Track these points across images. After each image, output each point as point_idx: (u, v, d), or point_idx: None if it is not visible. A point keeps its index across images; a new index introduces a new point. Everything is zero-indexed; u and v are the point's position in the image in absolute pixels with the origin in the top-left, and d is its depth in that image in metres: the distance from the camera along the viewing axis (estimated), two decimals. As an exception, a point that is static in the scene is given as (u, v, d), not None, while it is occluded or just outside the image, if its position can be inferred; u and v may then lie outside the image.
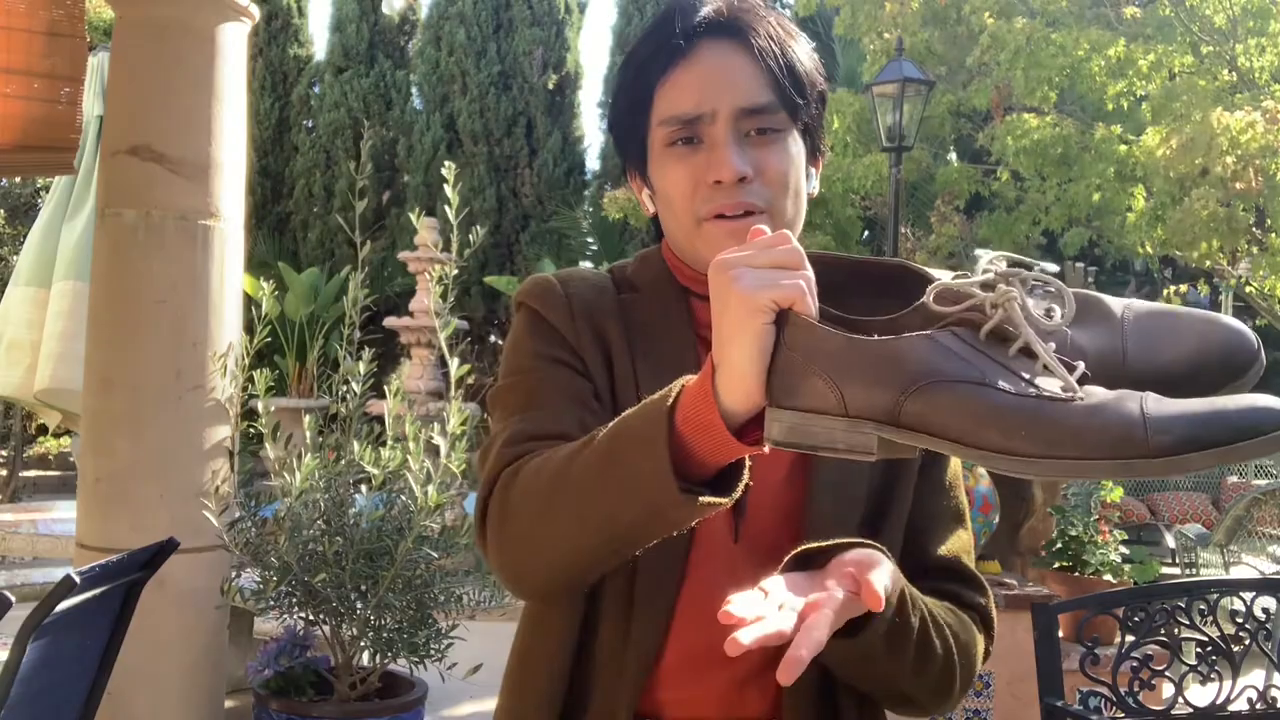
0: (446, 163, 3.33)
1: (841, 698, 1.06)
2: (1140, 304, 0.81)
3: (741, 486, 0.85)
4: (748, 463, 0.87)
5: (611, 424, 0.89)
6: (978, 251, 0.76)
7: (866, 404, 0.73)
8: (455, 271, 3.21)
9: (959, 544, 1.13)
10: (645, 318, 1.10)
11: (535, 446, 0.98)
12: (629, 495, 0.85)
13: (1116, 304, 0.81)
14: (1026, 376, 0.70)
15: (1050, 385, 0.70)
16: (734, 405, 0.78)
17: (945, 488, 1.14)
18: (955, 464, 1.16)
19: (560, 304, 1.09)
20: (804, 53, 1.07)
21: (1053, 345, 0.73)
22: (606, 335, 1.08)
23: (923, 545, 1.10)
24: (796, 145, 1.05)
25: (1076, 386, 0.70)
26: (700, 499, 0.82)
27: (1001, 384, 0.70)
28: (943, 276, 0.75)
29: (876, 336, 0.74)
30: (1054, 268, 0.80)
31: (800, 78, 1.05)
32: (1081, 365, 0.72)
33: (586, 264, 10.80)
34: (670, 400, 0.82)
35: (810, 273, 0.78)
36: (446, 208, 3.13)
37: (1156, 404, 0.68)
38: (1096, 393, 0.70)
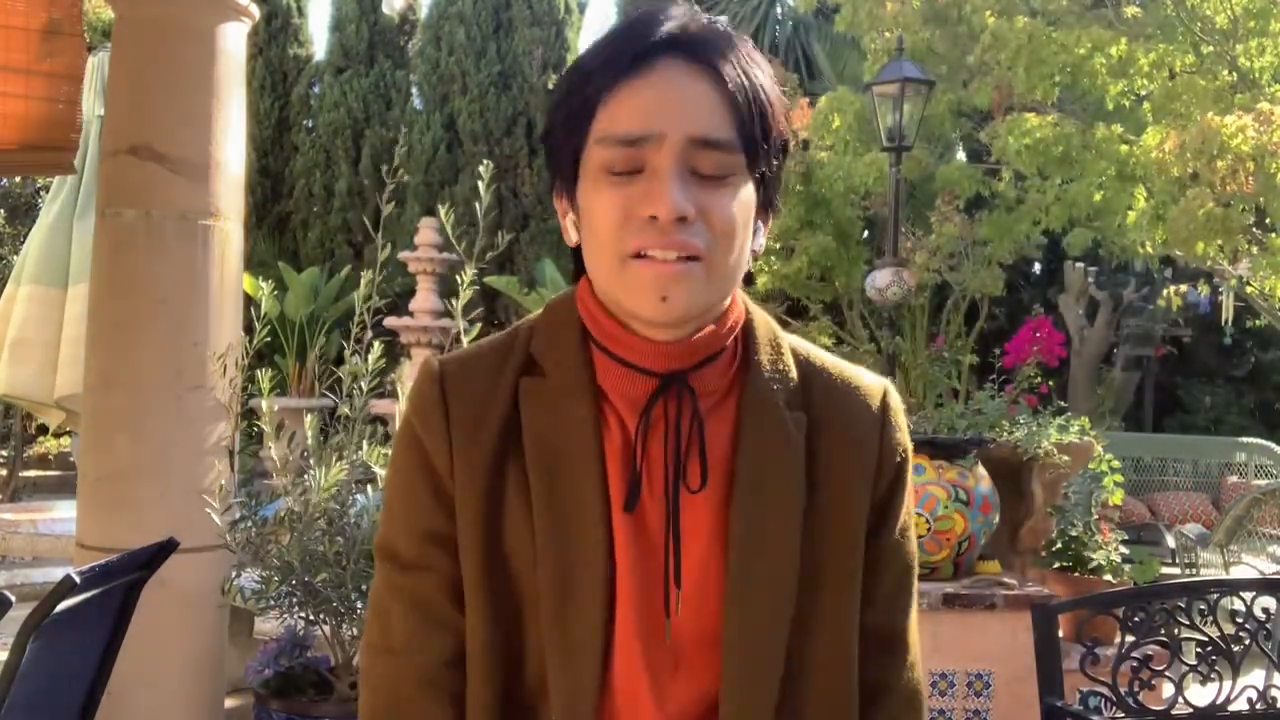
0: (485, 161, 3.32)
1: None
2: None
3: None
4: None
5: None
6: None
7: None
8: (475, 271, 3.19)
9: (897, 613, 1.07)
10: (545, 411, 0.99)
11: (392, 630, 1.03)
12: None
13: None
14: None
15: None
16: None
17: (894, 549, 1.07)
18: (906, 518, 1.08)
19: (436, 423, 1.00)
20: (773, 93, 0.95)
21: None
22: (492, 440, 0.99)
23: (865, 613, 1.04)
24: (748, 193, 0.94)
25: None
26: None
27: None
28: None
29: None
30: None
31: (767, 119, 0.93)
32: None
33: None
34: None
35: None
36: (477, 205, 3.12)
37: None
38: None
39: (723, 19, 0.97)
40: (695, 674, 1.00)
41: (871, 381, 1.08)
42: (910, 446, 1.09)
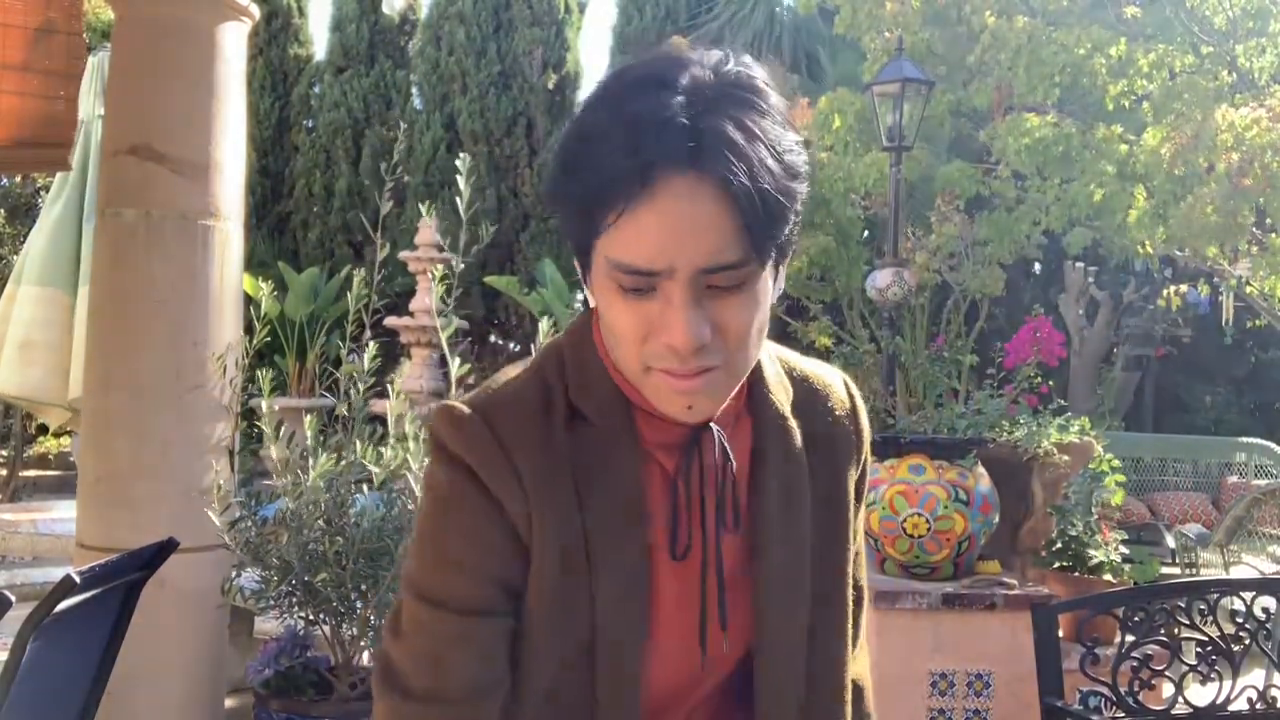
0: (462, 155, 3.31)
1: None
2: None
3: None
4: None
5: None
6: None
7: None
8: (461, 267, 3.19)
9: (860, 569, 1.16)
10: (598, 462, 0.99)
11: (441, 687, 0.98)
12: None
13: None
14: None
15: None
16: None
17: (860, 521, 1.16)
18: (863, 499, 1.17)
19: (505, 475, 0.97)
20: (781, 170, 0.89)
21: None
22: (565, 492, 0.98)
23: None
24: (765, 283, 0.93)
25: None
26: None
27: None
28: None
29: None
30: None
31: (776, 215, 0.89)
32: None
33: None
34: None
35: None
36: (457, 199, 3.11)
37: None
38: None
39: (734, 68, 0.91)
40: (720, 681, 1.07)
41: (835, 377, 1.14)
42: (870, 430, 1.17)
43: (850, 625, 1.11)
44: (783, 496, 1.04)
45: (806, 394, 1.09)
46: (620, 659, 0.99)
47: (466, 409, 1.00)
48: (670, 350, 0.90)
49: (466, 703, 0.98)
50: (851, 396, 1.14)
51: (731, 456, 1.01)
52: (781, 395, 1.06)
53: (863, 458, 1.14)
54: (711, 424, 1.00)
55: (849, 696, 1.11)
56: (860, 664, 1.18)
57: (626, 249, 0.88)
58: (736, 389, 1.00)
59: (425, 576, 1.01)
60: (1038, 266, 10.84)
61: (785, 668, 1.04)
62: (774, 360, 1.09)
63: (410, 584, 1.02)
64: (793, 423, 1.06)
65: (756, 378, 1.05)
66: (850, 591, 1.11)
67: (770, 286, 0.95)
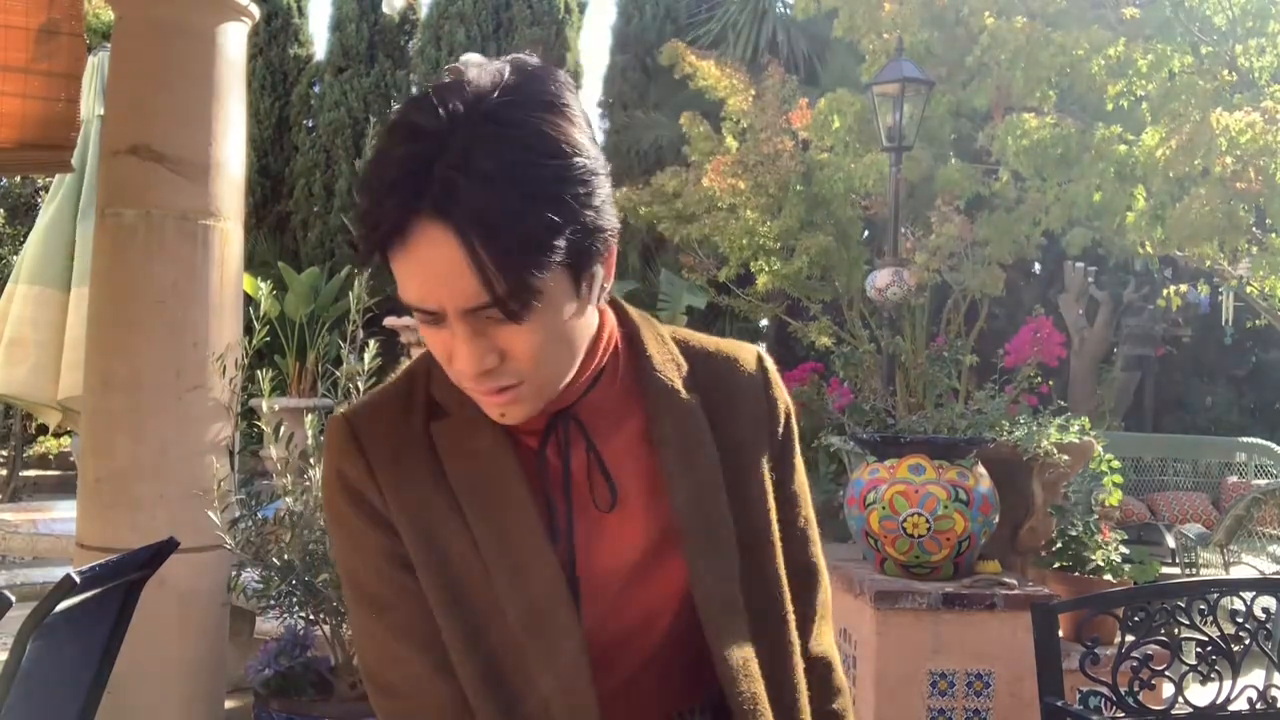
0: None
1: None
2: None
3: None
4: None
5: None
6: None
7: None
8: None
9: (811, 546, 1.19)
10: (459, 449, 1.03)
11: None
12: None
13: None
14: None
15: None
16: None
17: (800, 492, 1.18)
18: (800, 464, 1.19)
19: (361, 469, 1.03)
20: (523, 202, 0.86)
21: None
22: (417, 481, 1.03)
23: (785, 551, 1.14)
24: (550, 300, 0.91)
25: None
26: None
27: None
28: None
29: None
30: None
31: (519, 251, 0.86)
32: None
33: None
34: None
35: None
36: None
37: None
38: None
39: (496, 96, 0.89)
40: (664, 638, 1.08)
41: (746, 350, 1.17)
42: (790, 402, 1.19)
43: (783, 587, 1.12)
44: (683, 460, 1.06)
45: (704, 366, 1.13)
46: (548, 627, 1.01)
47: (340, 417, 1.07)
48: (464, 374, 0.95)
49: (414, 695, 1.02)
50: (764, 369, 1.16)
51: (592, 440, 1.04)
52: (671, 371, 1.09)
53: (776, 425, 1.15)
54: (571, 412, 1.04)
55: (797, 661, 1.12)
56: (824, 641, 1.20)
57: (403, 291, 0.92)
58: (565, 384, 1.01)
59: (347, 590, 1.08)
60: (1038, 266, 10.84)
61: (727, 613, 1.05)
62: (665, 341, 1.12)
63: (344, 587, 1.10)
64: (685, 394, 1.09)
65: (641, 358, 1.09)
66: (775, 546, 1.12)
67: (565, 296, 0.93)
